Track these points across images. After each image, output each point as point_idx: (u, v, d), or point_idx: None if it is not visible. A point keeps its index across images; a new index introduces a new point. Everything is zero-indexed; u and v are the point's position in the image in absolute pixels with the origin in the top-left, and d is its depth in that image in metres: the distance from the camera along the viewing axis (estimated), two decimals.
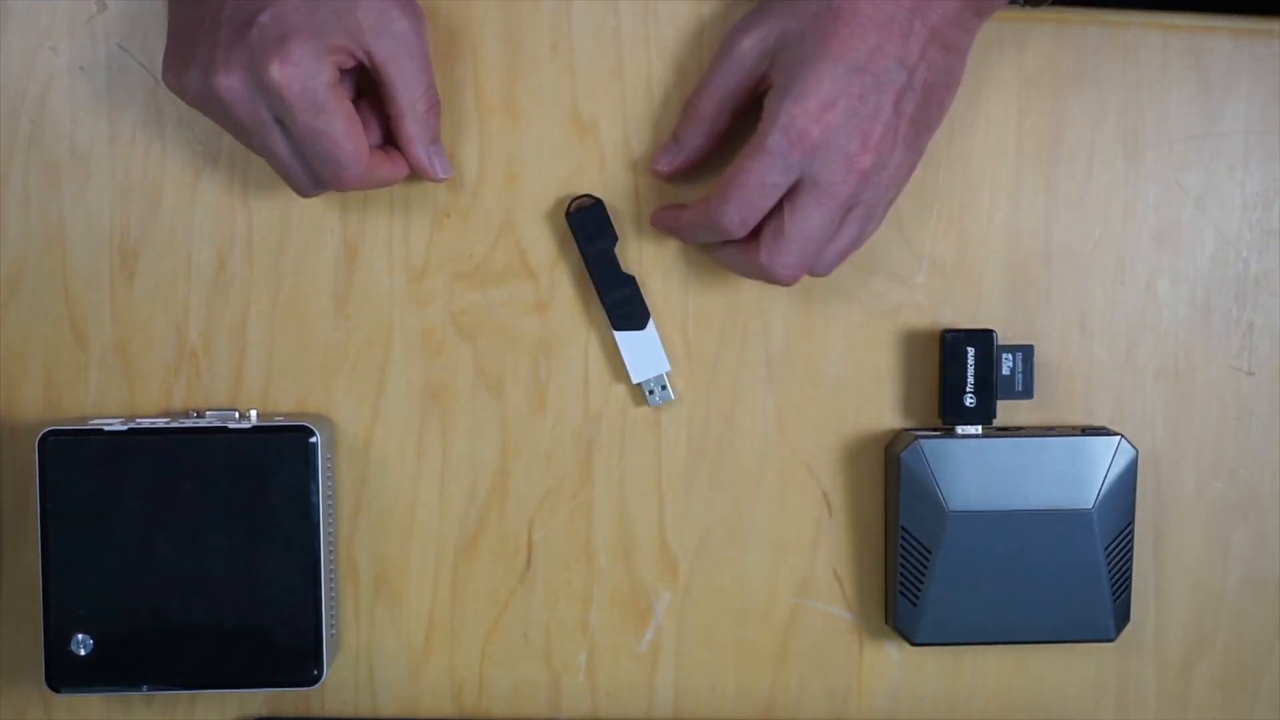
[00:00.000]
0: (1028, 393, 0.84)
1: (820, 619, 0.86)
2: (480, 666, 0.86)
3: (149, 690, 0.80)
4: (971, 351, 0.83)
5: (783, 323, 0.85)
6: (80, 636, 0.79)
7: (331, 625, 0.82)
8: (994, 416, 0.83)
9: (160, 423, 0.80)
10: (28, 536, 0.82)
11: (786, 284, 0.78)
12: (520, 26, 0.83)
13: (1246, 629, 0.87)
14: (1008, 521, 0.82)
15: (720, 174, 0.82)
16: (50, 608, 0.79)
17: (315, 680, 0.80)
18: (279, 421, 0.81)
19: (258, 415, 0.81)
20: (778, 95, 0.75)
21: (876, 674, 0.87)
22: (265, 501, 0.79)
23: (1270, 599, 0.87)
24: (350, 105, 0.75)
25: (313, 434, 0.79)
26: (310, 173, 0.77)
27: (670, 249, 0.84)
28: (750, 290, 0.85)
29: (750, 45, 0.77)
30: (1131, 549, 0.83)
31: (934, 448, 0.82)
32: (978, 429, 0.83)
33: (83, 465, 0.79)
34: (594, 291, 0.84)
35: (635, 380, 0.84)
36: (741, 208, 0.76)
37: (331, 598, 0.82)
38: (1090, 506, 0.82)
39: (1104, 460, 0.82)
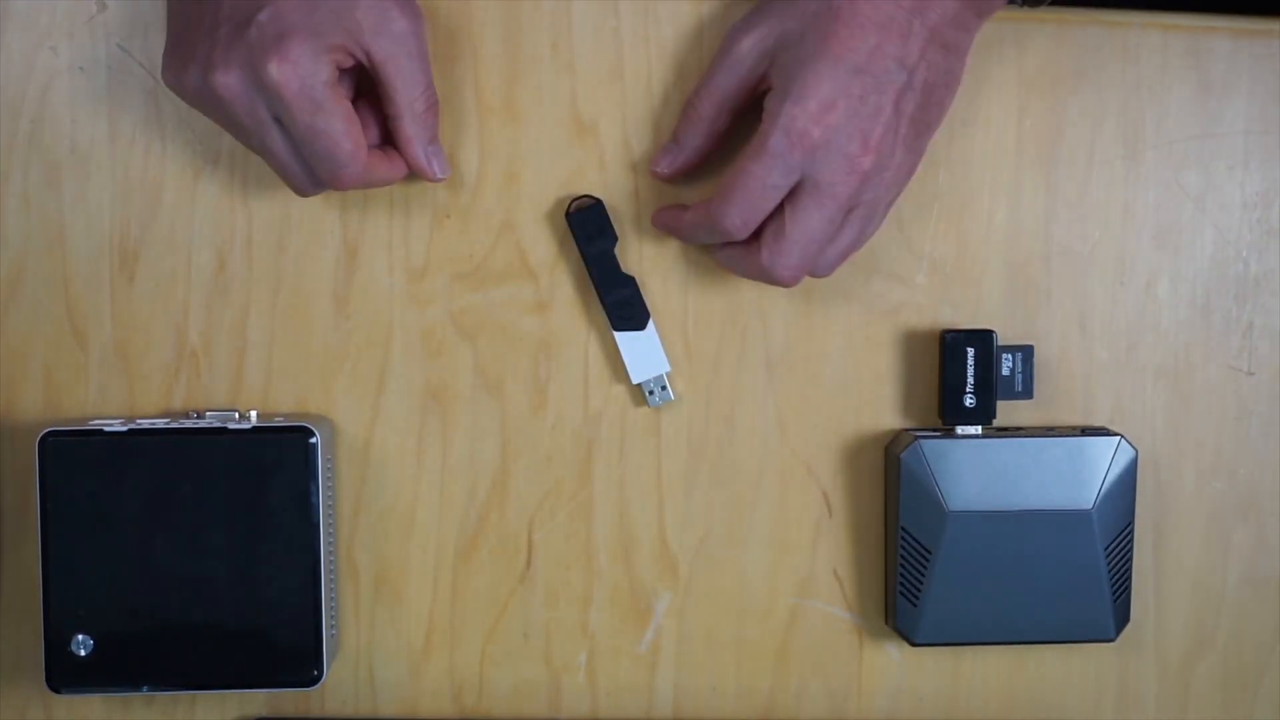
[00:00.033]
0: (1028, 393, 0.84)
1: (820, 619, 0.86)
2: (480, 666, 0.86)
3: (149, 690, 0.80)
4: (971, 351, 0.83)
5: (783, 323, 0.85)
6: (80, 637, 0.79)
7: (331, 625, 0.82)
8: (994, 417, 0.83)
9: (160, 423, 0.80)
10: (28, 536, 0.82)
11: (787, 285, 0.78)
12: (520, 26, 0.83)
13: (1246, 629, 0.87)
14: (1008, 521, 0.82)
15: (720, 175, 0.82)
16: (50, 608, 0.79)
17: (315, 680, 0.80)
18: (279, 422, 0.81)
19: (258, 416, 0.81)
20: (778, 97, 0.75)
21: (876, 674, 0.87)
22: (265, 501, 0.79)
23: (1270, 599, 0.87)
24: (349, 104, 0.75)
25: (313, 434, 0.79)
26: (309, 172, 0.77)
27: (670, 249, 0.84)
28: (750, 290, 0.85)
29: (750, 46, 0.77)
30: (1131, 549, 0.83)
31: (934, 448, 0.82)
32: (978, 429, 0.83)
33: (83, 465, 0.79)
34: (594, 291, 0.84)
35: (635, 380, 0.84)
36: (743, 210, 0.76)
37: (331, 598, 0.82)
38: (1090, 506, 0.82)
39: (1104, 460, 0.82)
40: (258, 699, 0.85)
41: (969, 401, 0.83)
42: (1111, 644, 0.85)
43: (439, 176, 0.80)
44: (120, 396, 0.84)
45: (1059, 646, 0.86)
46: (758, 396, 0.85)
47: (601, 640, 0.86)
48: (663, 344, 0.84)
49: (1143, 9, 0.85)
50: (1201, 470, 0.86)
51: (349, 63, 0.75)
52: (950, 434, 0.83)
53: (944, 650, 0.86)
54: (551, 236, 0.84)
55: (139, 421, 0.80)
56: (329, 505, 0.81)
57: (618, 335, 0.84)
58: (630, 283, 0.83)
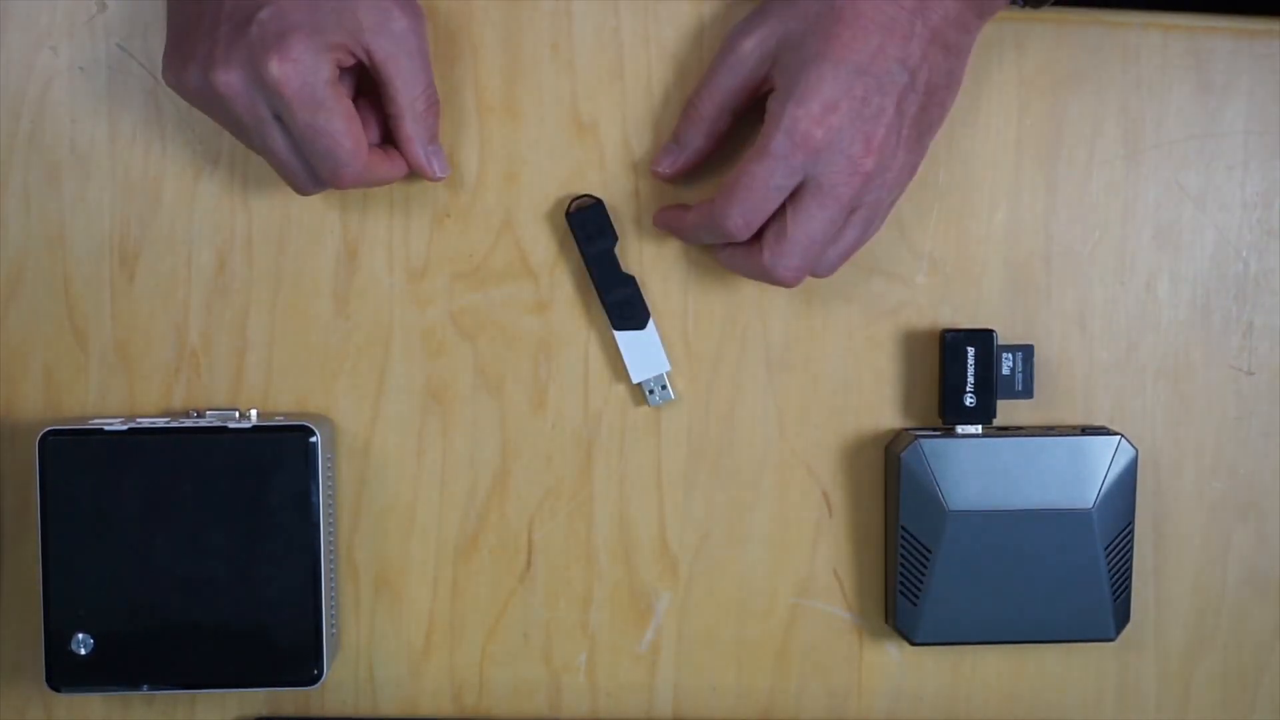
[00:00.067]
0: (1028, 392, 0.84)
1: (820, 619, 0.86)
2: (480, 666, 0.86)
3: (149, 690, 0.80)
4: (971, 351, 0.83)
5: (783, 323, 0.85)
6: (80, 636, 0.79)
7: (331, 625, 0.82)
8: (994, 416, 0.83)
9: (160, 423, 0.80)
10: (28, 536, 0.82)
11: (789, 285, 0.78)
12: (520, 26, 0.83)
13: (1246, 629, 0.87)
14: (1008, 521, 0.82)
15: (720, 174, 0.82)
16: (50, 608, 0.79)
17: (315, 680, 0.80)
18: (279, 421, 0.81)
19: (258, 415, 0.81)
20: (780, 98, 0.75)
21: (876, 674, 0.87)
22: (265, 501, 0.79)
23: (1270, 599, 0.87)
24: (349, 103, 0.75)
25: (313, 434, 0.79)
26: (309, 171, 0.77)
27: (670, 249, 0.84)
28: (750, 290, 0.85)
29: (751, 47, 0.77)
30: (1131, 549, 0.83)
31: (934, 447, 0.82)
32: (978, 429, 0.83)
33: (83, 465, 0.79)
34: (594, 291, 0.84)
35: (635, 380, 0.84)
36: (745, 211, 0.76)
37: (331, 598, 0.82)
38: (1090, 506, 0.82)
39: (1104, 460, 0.82)
40: (258, 698, 0.85)
41: (969, 401, 0.83)
42: (1111, 644, 0.85)
43: (439, 176, 0.80)
44: (120, 396, 0.84)
45: (1059, 646, 0.86)
46: (758, 396, 0.85)
47: (601, 640, 0.86)
48: (663, 343, 0.84)
49: (1143, 9, 0.85)
50: (1201, 470, 0.86)
51: (350, 61, 0.75)
52: (950, 433, 0.83)
53: (944, 650, 0.86)
54: (551, 236, 0.84)
55: (139, 421, 0.80)
56: (329, 505, 0.81)
57: (618, 335, 0.84)
58: (630, 282, 0.83)
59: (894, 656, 0.87)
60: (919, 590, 0.83)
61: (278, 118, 0.75)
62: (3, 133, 0.82)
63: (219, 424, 0.80)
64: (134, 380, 0.84)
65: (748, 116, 0.79)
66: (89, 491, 0.79)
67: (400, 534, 0.85)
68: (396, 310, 0.84)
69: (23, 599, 0.83)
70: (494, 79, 0.83)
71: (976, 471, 0.82)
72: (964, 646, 0.86)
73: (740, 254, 0.80)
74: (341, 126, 0.74)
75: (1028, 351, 0.84)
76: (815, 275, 0.79)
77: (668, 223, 0.83)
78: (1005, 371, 0.84)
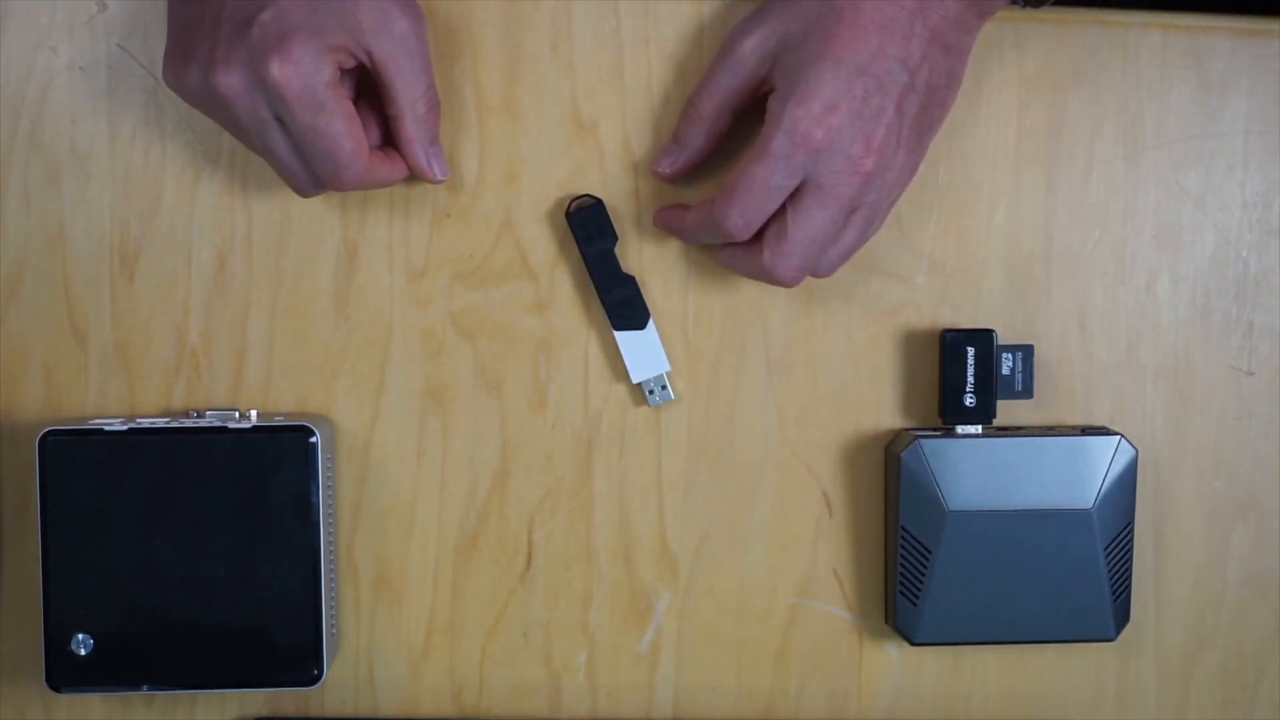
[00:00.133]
0: (1028, 392, 0.84)
1: (820, 619, 0.86)
2: (480, 666, 0.86)
3: (149, 690, 0.80)
4: (971, 351, 0.83)
5: (783, 323, 0.85)
6: (80, 636, 0.79)
7: (331, 625, 0.82)
8: (994, 416, 0.83)
9: (160, 423, 0.80)
10: (28, 536, 0.82)
11: (789, 285, 0.78)
12: (520, 26, 0.83)
13: (1246, 629, 0.87)
14: (1008, 521, 0.82)
15: (721, 174, 0.82)
16: (50, 608, 0.79)
17: (315, 680, 0.80)
18: (279, 421, 0.81)
19: (258, 415, 0.81)
20: (780, 98, 0.75)
21: (876, 674, 0.87)
22: (265, 501, 0.79)
23: (1270, 599, 0.87)
24: (350, 105, 0.75)
25: (313, 434, 0.79)
26: (310, 172, 0.77)
27: (670, 249, 0.84)
28: (750, 290, 0.85)
29: (752, 47, 0.77)
30: (1131, 549, 0.83)
31: (934, 447, 0.82)
32: (978, 429, 0.83)
33: (83, 465, 0.79)
34: (594, 291, 0.84)
35: (635, 380, 0.84)
36: (745, 211, 0.76)
37: (331, 598, 0.82)
38: (1090, 506, 0.82)
39: (1104, 460, 0.82)
40: (258, 699, 0.85)
41: (969, 401, 0.83)
42: (1111, 644, 0.85)
43: (439, 178, 0.80)
44: (120, 396, 0.84)
45: (1059, 646, 0.86)
46: (758, 396, 0.85)
47: (601, 640, 0.86)
48: (663, 343, 0.84)
49: (1143, 9, 0.85)
50: (1201, 470, 0.86)
51: (350, 63, 0.75)
52: (950, 433, 0.83)
53: (944, 650, 0.86)
54: (551, 236, 0.84)
55: (139, 421, 0.80)
56: (329, 505, 0.81)
57: (618, 335, 0.84)
58: (630, 282, 0.83)
59: (894, 656, 0.87)
60: (919, 590, 0.83)
61: (278, 119, 0.75)
62: (3, 133, 0.82)
63: (219, 424, 0.80)
64: (134, 380, 0.84)
65: (748, 116, 0.79)
66: (89, 491, 0.79)
67: (400, 534, 0.85)
68: (396, 310, 0.84)
69: (23, 599, 0.83)
70: (494, 79, 0.83)
71: (976, 471, 0.82)
72: (964, 646, 0.86)
73: (740, 254, 0.80)
74: (342, 128, 0.74)
75: (1028, 351, 0.84)
76: (815, 275, 0.79)
77: (668, 223, 0.83)
78: (1005, 371, 0.84)
